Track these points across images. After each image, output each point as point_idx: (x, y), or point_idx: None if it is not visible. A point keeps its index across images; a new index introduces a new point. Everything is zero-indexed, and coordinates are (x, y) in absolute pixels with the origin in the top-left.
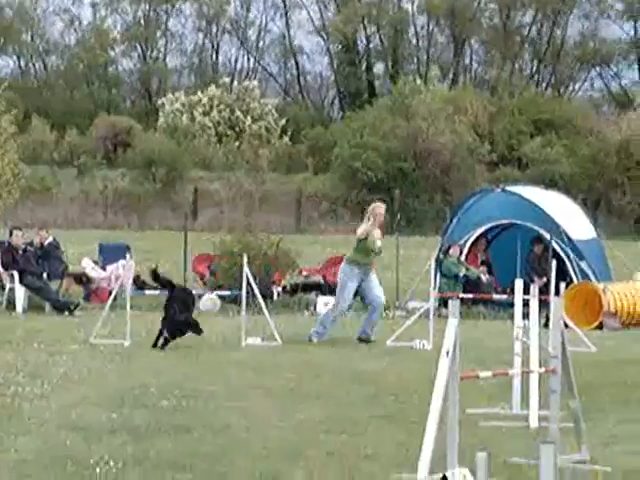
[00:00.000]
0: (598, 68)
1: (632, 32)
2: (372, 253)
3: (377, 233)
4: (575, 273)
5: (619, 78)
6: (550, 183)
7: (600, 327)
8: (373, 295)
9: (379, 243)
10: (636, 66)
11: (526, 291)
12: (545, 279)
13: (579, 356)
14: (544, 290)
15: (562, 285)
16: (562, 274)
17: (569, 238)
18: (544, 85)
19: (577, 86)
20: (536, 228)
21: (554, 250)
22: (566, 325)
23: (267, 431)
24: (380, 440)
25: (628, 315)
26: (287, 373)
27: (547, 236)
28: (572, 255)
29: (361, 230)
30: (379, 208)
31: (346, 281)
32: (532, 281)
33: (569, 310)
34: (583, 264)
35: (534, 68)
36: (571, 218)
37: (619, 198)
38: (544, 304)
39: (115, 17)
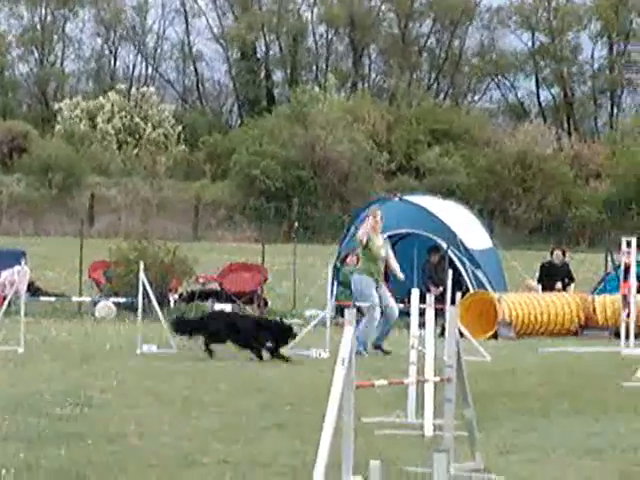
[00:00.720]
0: (496, 79)
1: (530, 43)
2: (379, 260)
3: (378, 240)
4: (471, 282)
5: (515, 89)
6: (447, 193)
7: (495, 336)
8: (386, 306)
9: (382, 252)
10: (533, 77)
11: (422, 300)
12: (441, 288)
13: (474, 365)
14: (440, 299)
15: (458, 294)
16: (458, 283)
17: (465, 247)
18: (442, 95)
19: (475, 97)
20: (433, 237)
21: (450, 259)
22: (461, 334)
23: (161, 439)
24: (275, 448)
25: (523, 324)
26: (182, 381)
27: (444, 245)
28: (468, 264)
29: (359, 233)
30: (372, 212)
31: (362, 289)
32: (428, 290)
33: (464, 319)
34: (479, 273)
35: (432, 78)
36: (468, 228)
37: (514, 208)
38: (440, 313)
39: (10, 21)
